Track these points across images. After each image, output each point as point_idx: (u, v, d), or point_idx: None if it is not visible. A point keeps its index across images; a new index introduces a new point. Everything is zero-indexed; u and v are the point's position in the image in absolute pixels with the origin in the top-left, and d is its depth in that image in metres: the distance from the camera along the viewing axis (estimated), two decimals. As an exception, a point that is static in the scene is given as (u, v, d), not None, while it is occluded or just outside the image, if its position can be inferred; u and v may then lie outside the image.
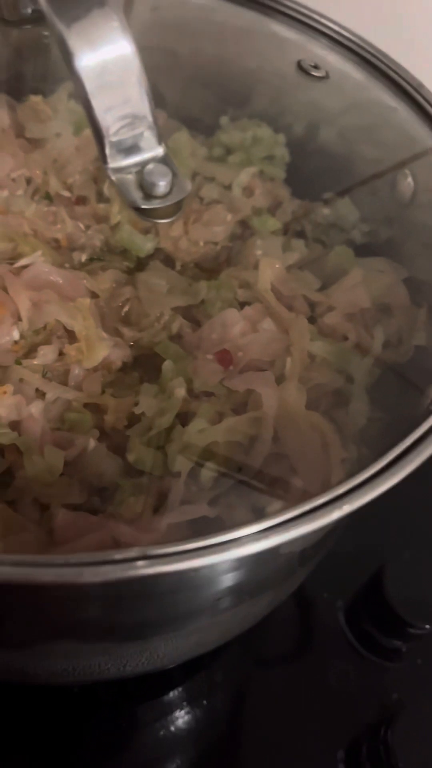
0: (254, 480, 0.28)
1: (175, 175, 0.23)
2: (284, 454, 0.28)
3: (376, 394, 0.32)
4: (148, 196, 0.23)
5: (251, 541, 0.20)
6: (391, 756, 0.36)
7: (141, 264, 0.36)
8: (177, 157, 0.37)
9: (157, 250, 0.37)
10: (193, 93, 0.42)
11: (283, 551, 0.23)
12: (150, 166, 0.22)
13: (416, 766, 0.36)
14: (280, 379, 0.30)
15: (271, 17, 0.35)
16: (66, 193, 0.37)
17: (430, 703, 0.38)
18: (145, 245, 0.36)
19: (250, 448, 0.28)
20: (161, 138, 0.23)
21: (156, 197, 0.23)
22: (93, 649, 0.26)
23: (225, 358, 0.31)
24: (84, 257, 0.36)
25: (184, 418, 0.30)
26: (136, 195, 0.22)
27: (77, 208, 0.37)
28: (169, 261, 0.37)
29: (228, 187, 0.38)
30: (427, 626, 0.41)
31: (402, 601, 0.41)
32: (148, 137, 0.23)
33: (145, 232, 0.37)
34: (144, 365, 0.33)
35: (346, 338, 0.32)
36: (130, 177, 0.22)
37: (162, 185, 0.22)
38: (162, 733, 0.41)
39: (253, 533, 0.20)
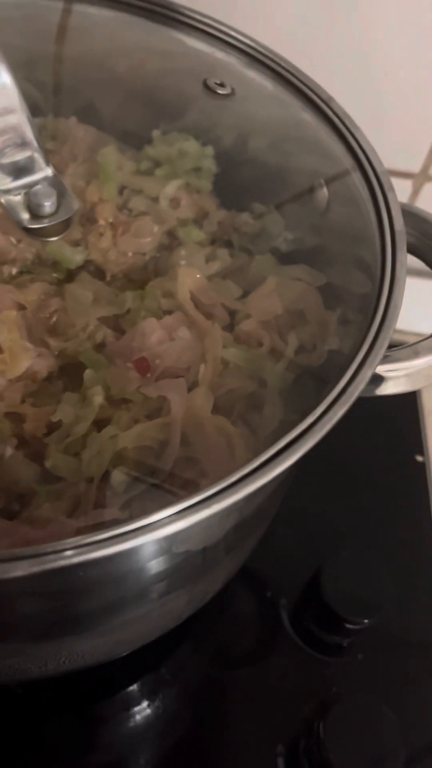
0: (165, 483, 0.29)
1: (62, 195, 0.24)
2: (194, 457, 0.29)
3: (291, 397, 0.33)
4: (35, 216, 0.24)
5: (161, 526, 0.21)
6: (322, 749, 0.37)
7: (71, 276, 0.37)
8: (104, 172, 0.38)
9: (88, 262, 0.38)
10: (127, 108, 0.43)
11: (176, 550, 0.24)
12: (37, 187, 0.24)
13: (345, 758, 0.37)
14: (194, 386, 0.31)
15: (189, 34, 0.36)
16: (-3, 209, 0.38)
17: (363, 695, 0.39)
18: (75, 257, 0.37)
19: (161, 453, 0.29)
20: (48, 160, 0.24)
21: (42, 216, 0.24)
22: (7, 650, 0.27)
23: (143, 365, 0.32)
24: (14, 270, 0.37)
25: (103, 425, 0.31)
26: (23, 215, 0.24)
27: (8, 223, 0.38)
28: (99, 272, 0.38)
29: (155, 200, 0.39)
30: (365, 621, 0.43)
31: (337, 597, 0.42)
32: (37, 159, 0.24)
33: (75, 244, 0.38)
34: (70, 374, 0.34)
35: (261, 344, 0.33)
36: (18, 198, 0.24)
37: (47, 205, 0.24)
38: (110, 731, 0.43)
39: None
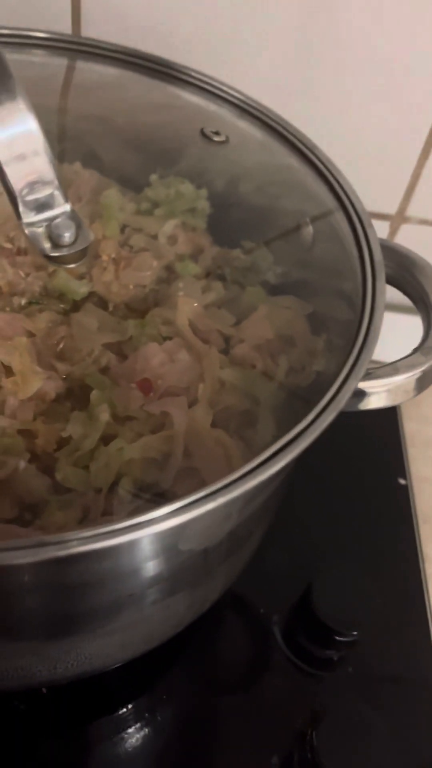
0: (169, 492, 0.32)
1: (79, 227, 0.27)
2: (195, 467, 0.32)
3: (282, 414, 0.35)
4: (56, 245, 0.27)
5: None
6: (316, 757, 0.39)
7: (76, 306, 0.40)
8: (107, 212, 0.42)
9: (92, 294, 0.41)
10: (127, 155, 0.47)
11: (183, 547, 0.27)
12: (58, 220, 0.27)
13: (337, 764, 0.39)
14: (193, 403, 0.34)
15: (183, 88, 0.40)
16: (8, 245, 0.41)
17: (352, 705, 0.41)
18: (80, 289, 0.40)
19: (164, 464, 0.32)
20: (67, 197, 0.28)
21: (62, 246, 0.27)
22: (20, 648, 0.29)
23: (145, 386, 0.35)
24: (23, 301, 0.40)
25: (109, 440, 0.34)
26: (45, 245, 0.27)
27: (18, 258, 0.41)
28: (102, 303, 0.41)
29: (154, 237, 0.42)
30: (354, 633, 0.44)
31: (327, 612, 0.44)
32: (57, 196, 0.27)
33: (80, 277, 0.41)
34: (76, 396, 0.37)
35: (254, 366, 0.36)
36: (41, 230, 0.27)
37: (67, 236, 0.27)
38: (110, 750, 0.44)
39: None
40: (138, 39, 0.46)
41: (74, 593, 0.27)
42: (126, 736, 0.44)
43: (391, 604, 0.49)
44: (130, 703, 0.45)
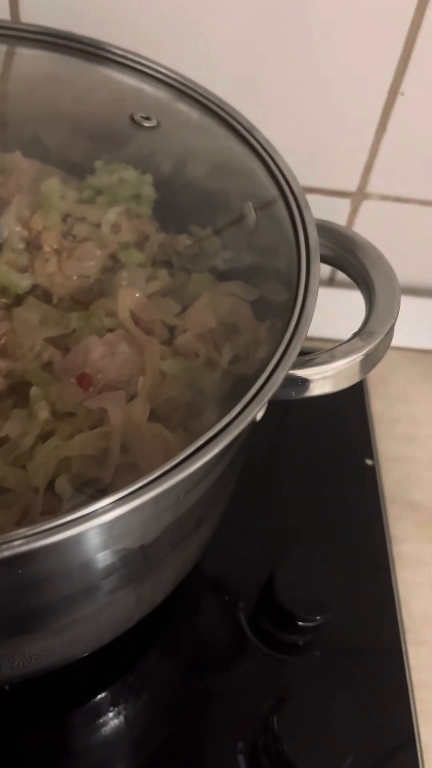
0: (108, 488, 0.31)
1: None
2: (134, 463, 0.31)
3: (228, 404, 0.35)
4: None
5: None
6: (278, 743, 0.39)
7: (20, 300, 0.39)
8: (47, 201, 0.41)
9: (35, 286, 0.40)
10: (70, 142, 0.45)
11: (120, 544, 0.26)
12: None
13: (301, 750, 0.39)
14: (134, 397, 0.33)
15: (119, 71, 0.39)
16: None
17: (317, 689, 0.41)
18: (22, 282, 0.39)
19: (103, 460, 0.31)
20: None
21: (-25, 243, 0.26)
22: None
23: (85, 380, 0.34)
24: (-37, 298, 0.39)
25: (49, 438, 0.33)
26: None
27: None
28: (46, 296, 0.40)
29: (98, 226, 0.41)
30: (317, 618, 0.44)
31: (290, 597, 0.44)
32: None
33: (23, 270, 0.40)
34: (19, 393, 0.36)
35: (197, 356, 0.35)
36: None
37: (-22, 233, 0.26)
38: (86, 741, 0.44)
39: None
40: (77, 24, 0.45)
41: (9, 595, 0.27)
42: (97, 726, 0.44)
43: (358, 586, 0.49)
44: (101, 692, 0.45)
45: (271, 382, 0.27)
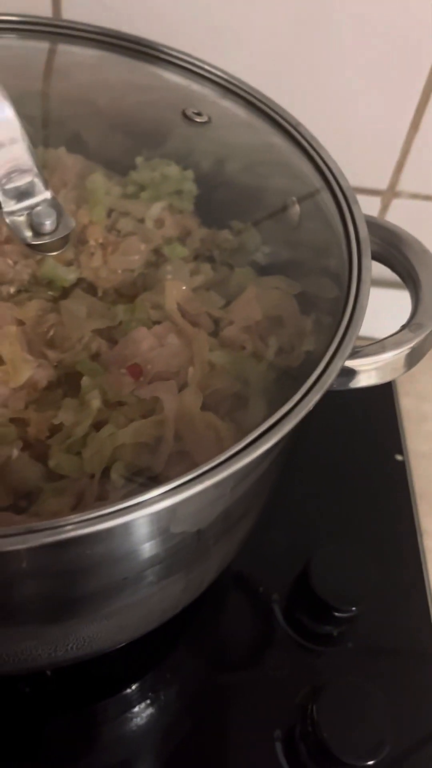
0: (161, 475, 0.32)
1: (60, 214, 0.27)
2: (186, 451, 0.32)
3: (273, 395, 0.35)
4: (37, 233, 0.27)
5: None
6: (317, 729, 0.40)
7: (66, 293, 0.40)
8: (92, 196, 0.41)
9: (81, 280, 0.40)
10: (112, 138, 0.46)
11: (175, 529, 0.27)
12: (38, 208, 0.27)
13: (340, 737, 0.39)
14: (183, 387, 0.34)
15: (166, 69, 0.40)
16: (-5, 235, 0.41)
17: (351, 679, 0.42)
18: (68, 276, 0.40)
19: (156, 448, 0.32)
20: (47, 184, 0.27)
21: (44, 234, 0.27)
22: (20, 633, 0.29)
23: (135, 371, 0.35)
24: (12, 290, 0.40)
25: (101, 426, 0.34)
26: (27, 233, 0.27)
27: (6, 246, 0.41)
28: (91, 289, 0.40)
29: (141, 221, 0.42)
30: (353, 609, 0.45)
31: (326, 588, 0.45)
32: (37, 184, 0.27)
33: (68, 264, 0.41)
34: (68, 383, 0.37)
35: (243, 348, 0.36)
36: (22, 218, 0.27)
37: (48, 224, 0.27)
38: (118, 730, 0.44)
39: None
40: (119, 21, 0.46)
41: (69, 578, 0.27)
42: (131, 715, 0.45)
43: (389, 579, 0.49)
44: (135, 682, 0.46)
45: (328, 372, 0.27)
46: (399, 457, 0.56)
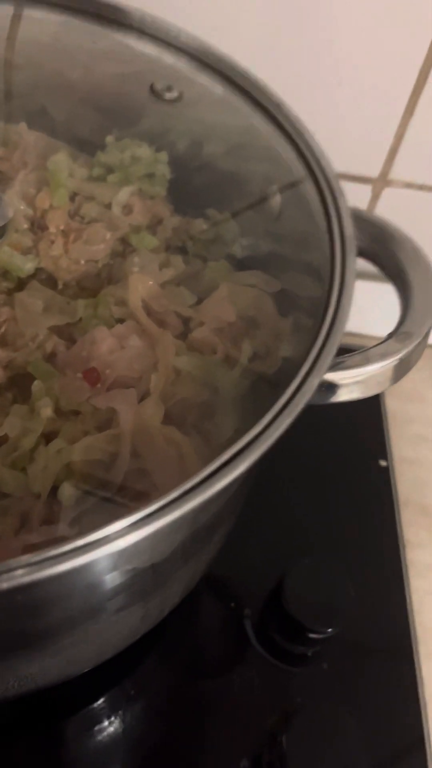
0: (116, 496, 0.28)
1: (-3, 201, 0.23)
2: (144, 469, 0.29)
3: (246, 405, 0.32)
4: (-32, 223, 0.23)
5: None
6: (284, 761, 0.37)
7: (22, 284, 0.36)
8: (54, 179, 0.37)
9: (40, 270, 0.37)
10: (81, 114, 0.42)
11: (121, 567, 0.24)
12: (-29, 194, 0.23)
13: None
14: (145, 395, 0.31)
15: (138, 38, 0.36)
16: None
17: (325, 704, 0.39)
18: (25, 265, 0.36)
19: (111, 465, 0.29)
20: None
21: (-23, 224, 0.23)
22: None
23: (92, 376, 0.31)
24: (-38, 281, 0.36)
25: (53, 437, 0.30)
26: None
27: None
28: (51, 280, 0.37)
29: (108, 206, 0.38)
30: (328, 630, 0.42)
31: (300, 607, 0.42)
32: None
33: (26, 252, 0.37)
34: (19, 385, 0.33)
35: (214, 352, 0.33)
36: None
37: (-20, 213, 0.23)
38: (83, 749, 0.42)
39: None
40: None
41: (9, 618, 0.24)
42: (95, 733, 0.42)
43: (368, 596, 0.47)
44: (98, 699, 0.43)
45: (304, 389, 0.24)
46: (383, 463, 0.53)
